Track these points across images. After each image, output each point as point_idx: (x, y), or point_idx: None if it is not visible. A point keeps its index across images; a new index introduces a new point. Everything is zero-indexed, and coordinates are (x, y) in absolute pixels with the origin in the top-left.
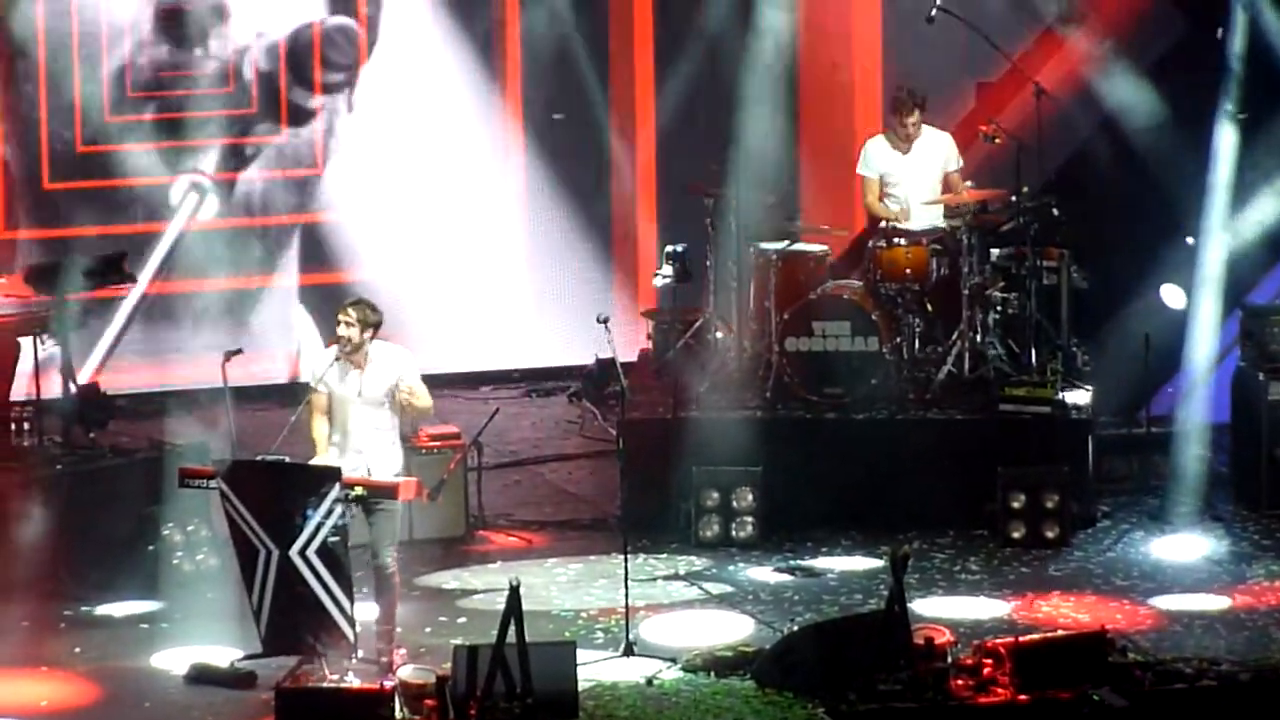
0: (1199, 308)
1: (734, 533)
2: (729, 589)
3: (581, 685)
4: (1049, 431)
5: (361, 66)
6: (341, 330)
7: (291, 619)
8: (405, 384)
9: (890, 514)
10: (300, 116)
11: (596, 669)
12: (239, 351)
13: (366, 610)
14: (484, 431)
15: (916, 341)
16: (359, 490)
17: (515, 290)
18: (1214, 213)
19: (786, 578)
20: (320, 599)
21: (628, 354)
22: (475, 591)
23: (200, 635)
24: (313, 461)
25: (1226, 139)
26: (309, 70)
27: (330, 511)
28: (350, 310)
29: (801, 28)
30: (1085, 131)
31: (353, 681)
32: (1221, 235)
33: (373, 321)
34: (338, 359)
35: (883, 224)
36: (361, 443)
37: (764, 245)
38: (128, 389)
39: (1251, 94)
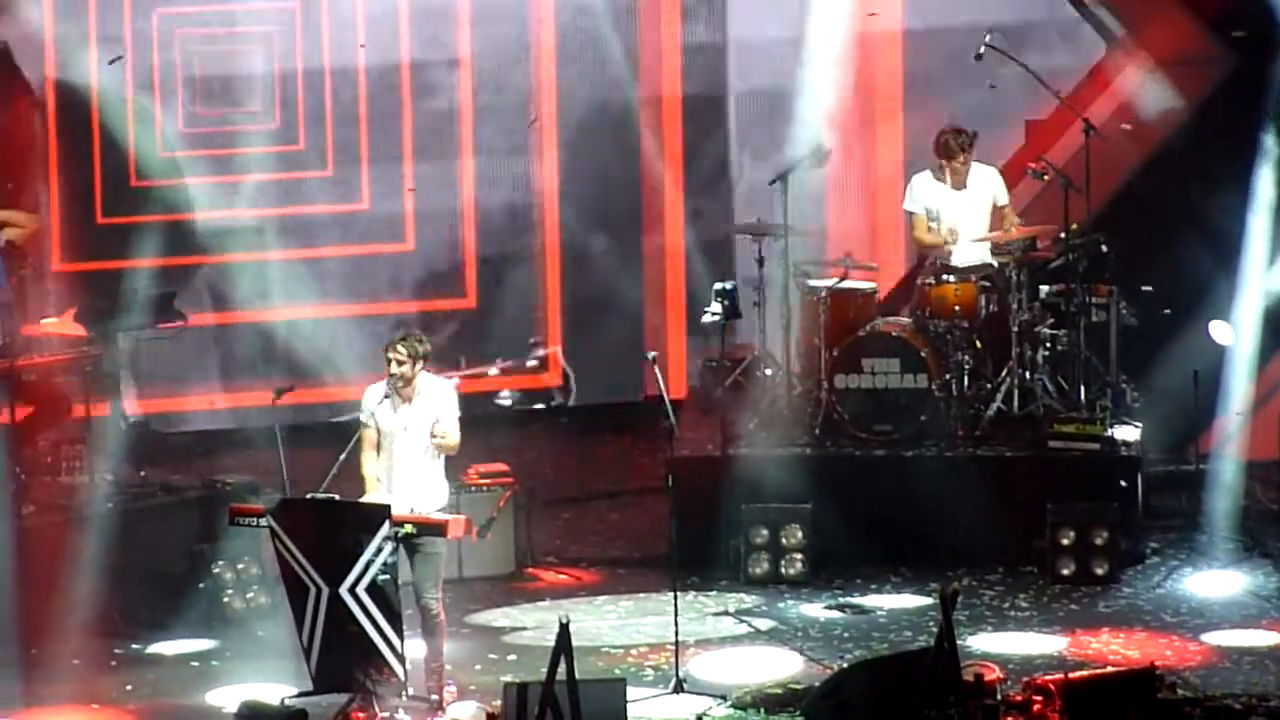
0: (1247, 344)
1: (783, 569)
2: (778, 626)
3: None
4: (1098, 468)
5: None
6: (394, 369)
7: (342, 656)
8: (440, 426)
9: (939, 551)
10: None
11: (646, 706)
12: (291, 388)
13: (416, 648)
14: (532, 470)
15: (965, 379)
16: (408, 528)
17: (564, 327)
18: (1256, 252)
19: (836, 614)
20: (370, 637)
21: (677, 391)
22: (525, 629)
23: (251, 673)
24: (363, 499)
25: (1267, 178)
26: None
27: (380, 549)
28: (400, 347)
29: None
30: (1134, 168)
31: (403, 719)
32: (1265, 276)
33: (422, 354)
34: (387, 395)
35: (930, 260)
36: (407, 477)
37: (813, 283)
38: (179, 427)
39: None
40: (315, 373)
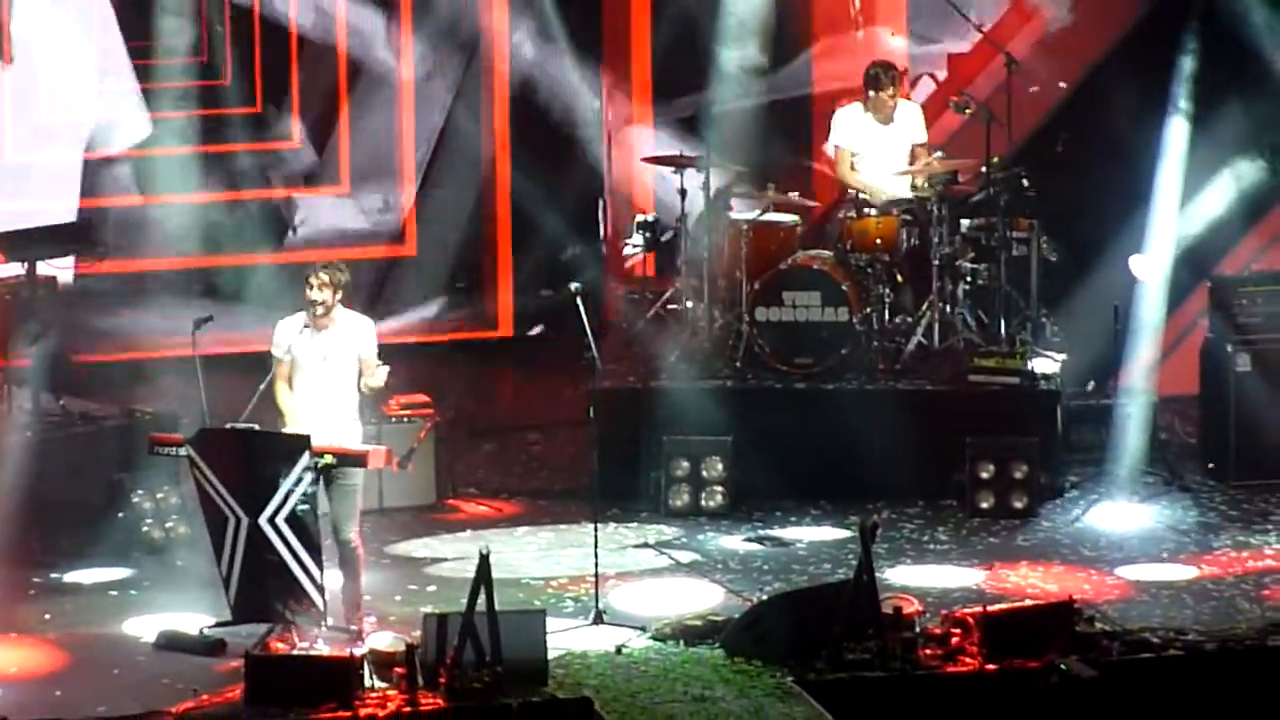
0: (1164, 279)
1: (704, 502)
2: (698, 558)
3: (551, 653)
4: (1018, 402)
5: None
6: (314, 294)
7: (261, 587)
8: (368, 360)
9: (859, 484)
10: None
11: (566, 637)
12: (209, 319)
13: (336, 578)
14: (453, 401)
15: (886, 312)
16: (329, 458)
17: (486, 260)
18: (1167, 198)
19: (756, 547)
20: (289, 567)
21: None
22: (445, 560)
23: (170, 602)
24: (283, 430)
25: (1180, 120)
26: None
27: (300, 480)
28: (321, 273)
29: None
30: (1055, 102)
31: (323, 649)
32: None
33: (342, 283)
34: (306, 325)
35: (851, 194)
36: (319, 410)
37: (734, 215)
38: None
39: (1208, 74)
40: (238, 321)
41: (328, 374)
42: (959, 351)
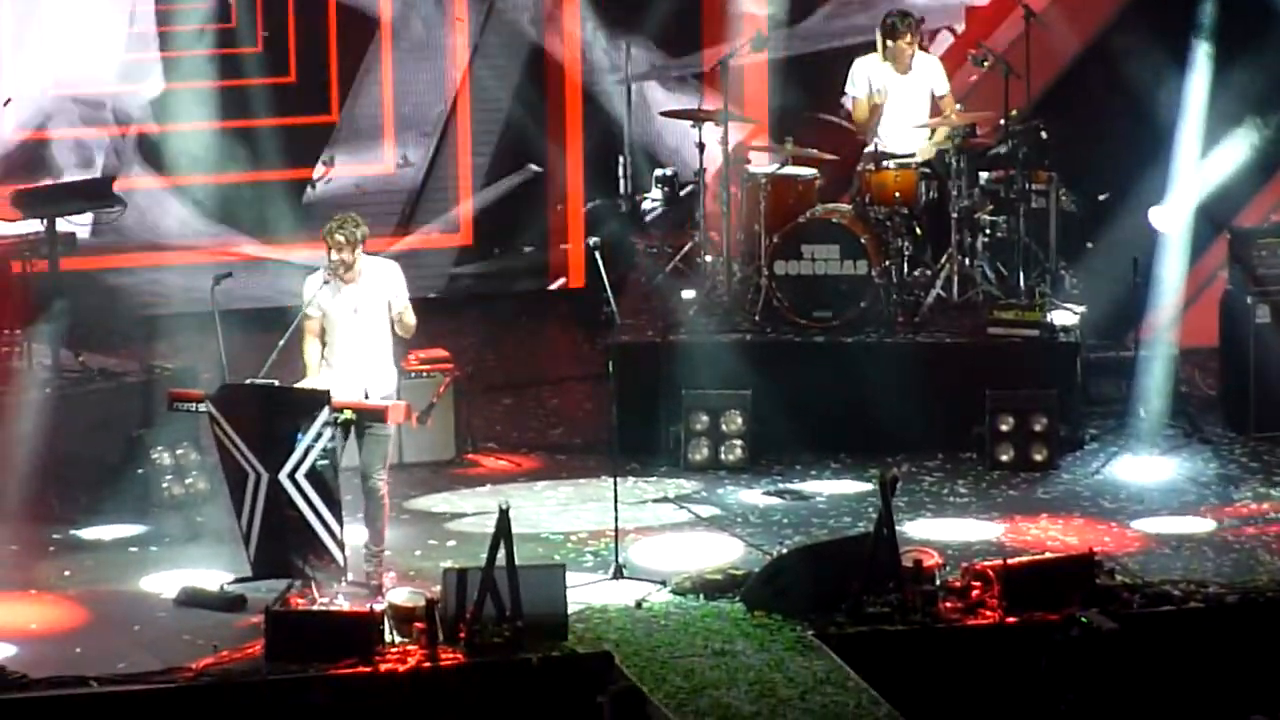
0: (1183, 231)
1: (723, 456)
2: (718, 512)
3: (571, 608)
4: (1037, 354)
5: None
6: (335, 255)
7: (280, 542)
8: (398, 304)
9: (878, 437)
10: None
11: (586, 592)
12: (229, 274)
13: (356, 533)
14: (472, 357)
15: (905, 265)
16: (348, 413)
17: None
18: (1187, 146)
19: (775, 501)
20: (309, 522)
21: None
22: (465, 515)
23: (189, 559)
24: (303, 384)
25: (1200, 74)
26: None
27: (319, 434)
28: (338, 234)
29: None
30: (1074, 54)
31: (342, 604)
32: (1198, 167)
33: (361, 237)
34: (328, 280)
35: (870, 147)
36: (357, 361)
37: (753, 169)
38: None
39: (1227, 26)
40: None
41: (360, 325)
42: (978, 304)
